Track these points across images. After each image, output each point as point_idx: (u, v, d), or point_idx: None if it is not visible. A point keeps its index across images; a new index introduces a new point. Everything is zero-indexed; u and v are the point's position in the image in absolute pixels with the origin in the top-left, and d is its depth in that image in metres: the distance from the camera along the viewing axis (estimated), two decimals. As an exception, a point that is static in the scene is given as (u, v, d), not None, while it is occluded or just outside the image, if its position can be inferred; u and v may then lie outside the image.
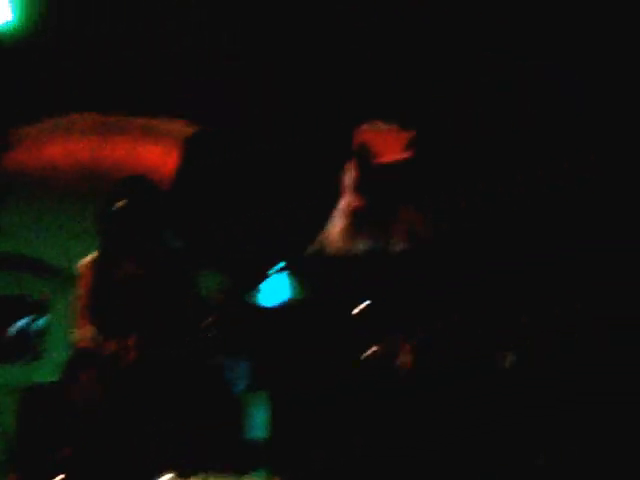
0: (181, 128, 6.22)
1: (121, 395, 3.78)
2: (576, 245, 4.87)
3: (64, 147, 6.37)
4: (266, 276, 4.04)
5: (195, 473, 3.27)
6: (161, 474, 3.21)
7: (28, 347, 6.67)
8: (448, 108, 5.23)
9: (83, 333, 3.99)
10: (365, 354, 5.08)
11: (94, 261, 4.02)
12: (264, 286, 4.39)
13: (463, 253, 4.49)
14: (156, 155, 6.28)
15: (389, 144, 3.93)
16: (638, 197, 4.89)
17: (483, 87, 5.23)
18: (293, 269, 4.47)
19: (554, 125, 5.12)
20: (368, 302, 4.89)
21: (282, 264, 4.35)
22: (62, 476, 4.38)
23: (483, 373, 4.60)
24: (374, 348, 5.07)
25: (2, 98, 5.88)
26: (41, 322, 6.71)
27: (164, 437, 3.88)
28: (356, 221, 4.09)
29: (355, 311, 5.08)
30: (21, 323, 6.75)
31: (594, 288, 4.73)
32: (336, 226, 4.27)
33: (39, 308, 6.73)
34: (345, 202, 4.15)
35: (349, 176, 4.04)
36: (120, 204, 3.92)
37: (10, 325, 6.74)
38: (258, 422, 5.60)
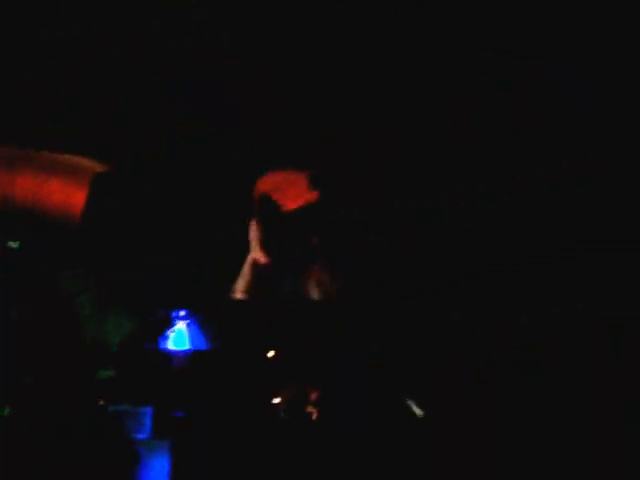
0: (89, 164, 6.08)
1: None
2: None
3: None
4: (171, 321, 3.92)
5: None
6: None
7: None
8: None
9: None
10: (272, 402, 4.99)
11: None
12: (168, 331, 4.27)
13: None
14: (64, 191, 6.11)
15: (291, 189, 3.90)
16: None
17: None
18: (199, 316, 4.35)
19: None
20: (273, 351, 4.82)
21: (187, 310, 4.23)
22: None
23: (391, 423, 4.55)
24: (280, 397, 4.99)
25: None
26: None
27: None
28: (260, 276, 4.02)
29: (262, 358, 5.00)
30: None
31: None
32: (241, 281, 4.20)
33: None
34: (250, 256, 4.09)
35: (252, 229, 3.99)
36: (13, 246, 3.78)
37: None
38: (158, 473, 5.40)
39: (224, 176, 5.37)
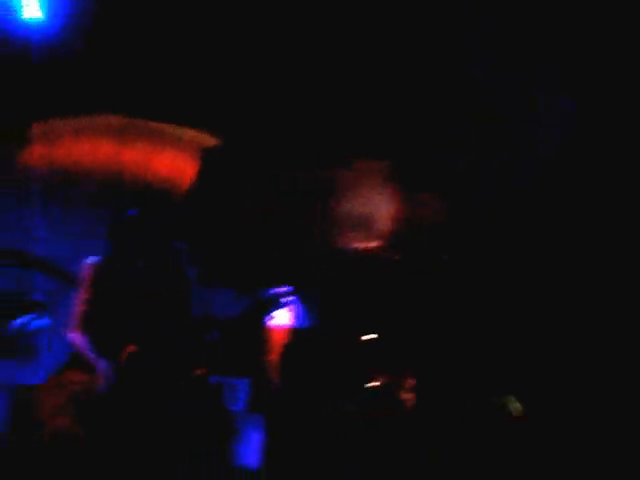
0: (199, 136, 6.14)
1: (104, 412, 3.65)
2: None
3: (87, 146, 6.30)
4: (275, 297, 3.94)
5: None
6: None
7: (22, 346, 6.57)
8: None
9: (74, 338, 3.88)
10: (369, 385, 4.97)
11: (100, 266, 3.92)
12: (272, 306, 4.30)
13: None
14: (174, 160, 6.20)
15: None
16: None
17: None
18: (302, 294, 4.35)
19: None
20: (375, 334, 4.79)
21: (291, 287, 4.24)
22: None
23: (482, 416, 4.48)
24: (378, 380, 4.96)
25: (28, 94, 5.85)
26: (40, 322, 6.60)
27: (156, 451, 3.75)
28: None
29: (363, 339, 4.97)
30: (19, 321, 6.65)
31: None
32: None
33: (39, 307, 6.62)
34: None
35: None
36: (133, 213, 3.85)
37: (8, 322, 6.64)
38: (252, 445, 5.47)
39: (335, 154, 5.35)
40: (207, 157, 5.57)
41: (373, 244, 5.05)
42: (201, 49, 5.28)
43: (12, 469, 5.09)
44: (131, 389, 3.68)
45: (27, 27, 5.32)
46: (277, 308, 3.82)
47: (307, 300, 4.36)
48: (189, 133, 6.19)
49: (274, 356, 5.42)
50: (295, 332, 5.24)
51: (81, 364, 3.86)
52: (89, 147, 6.27)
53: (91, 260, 3.96)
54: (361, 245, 5.09)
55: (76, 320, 3.90)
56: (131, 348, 3.66)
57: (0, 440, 5.15)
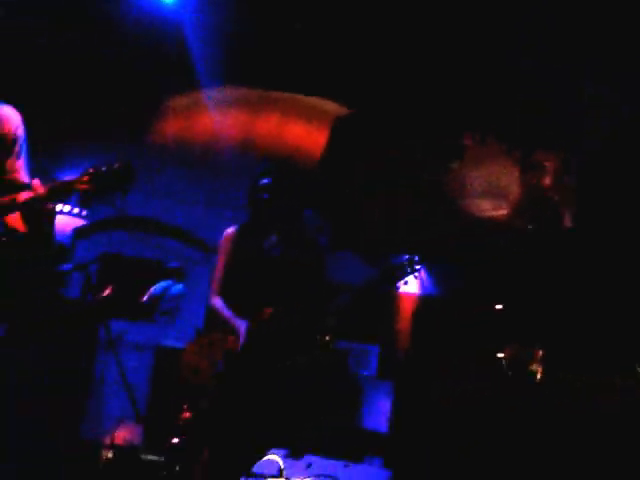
0: (329, 107, 6.20)
1: (242, 369, 3.79)
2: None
3: (219, 118, 6.50)
4: (404, 264, 3.96)
5: (305, 453, 3.24)
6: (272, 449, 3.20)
7: (163, 310, 6.86)
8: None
9: (213, 301, 4.06)
10: (499, 355, 4.94)
11: (236, 233, 4.05)
12: (401, 274, 4.32)
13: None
14: (304, 131, 6.30)
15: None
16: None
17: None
18: (432, 261, 4.36)
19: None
20: (504, 303, 4.76)
21: (420, 255, 4.25)
22: (177, 439, 4.50)
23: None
24: (507, 351, 4.92)
25: (161, 68, 6.08)
26: (178, 288, 6.88)
27: (282, 414, 3.88)
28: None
29: (492, 309, 4.95)
30: (159, 286, 6.94)
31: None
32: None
33: (178, 274, 6.90)
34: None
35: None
36: (267, 182, 3.94)
37: (149, 287, 6.95)
38: (379, 411, 5.55)
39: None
40: (337, 126, 5.63)
41: (502, 212, 5.00)
42: (333, 21, 5.32)
43: (155, 426, 5.39)
44: (265, 350, 3.80)
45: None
46: (406, 276, 3.83)
47: (436, 268, 4.37)
48: (319, 103, 6.28)
49: (403, 323, 5.48)
50: (424, 300, 5.27)
51: (219, 326, 4.03)
52: (223, 118, 6.47)
53: (229, 228, 4.11)
54: (490, 214, 5.05)
55: (215, 284, 4.08)
56: (268, 311, 3.78)
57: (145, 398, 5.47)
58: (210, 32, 5.61)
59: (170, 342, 5.79)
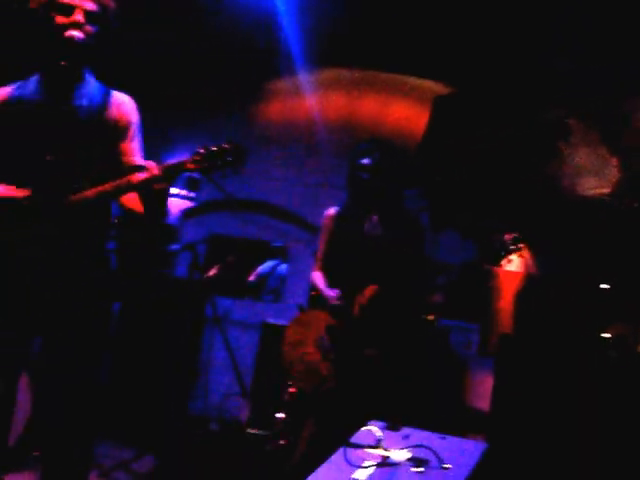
0: (431, 86, 6.18)
1: (347, 346, 3.86)
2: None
3: (320, 100, 6.57)
4: (506, 246, 3.94)
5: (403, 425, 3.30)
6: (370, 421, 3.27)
7: (270, 289, 7.03)
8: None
9: (315, 279, 4.15)
10: (604, 335, 4.86)
11: (338, 214, 4.12)
12: (504, 252, 4.30)
13: None
14: (406, 111, 6.30)
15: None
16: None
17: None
18: (535, 239, 4.32)
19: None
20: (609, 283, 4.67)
21: (520, 236, 4.23)
22: (283, 415, 4.64)
23: None
24: (610, 332, 4.84)
25: (262, 52, 6.20)
26: (283, 267, 7.03)
27: (385, 390, 3.94)
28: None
29: (597, 288, 4.86)
30: (266, 266, 7.12)
31: None
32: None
33: (283, 254, 7.05)
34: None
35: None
36: (368, 161, 3.97)
37: (255, 267, 7.13)
38: (481, 390, 5.54)
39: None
40: (438, 105, 5.61)
41: (605, 191, 4.89)
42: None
43: (260, 401, 5.56)
44: (369, 327, 3.86)
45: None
46: (508, 254, 3.81)
47: (539, 247, 4.34)
48: (421, 83, 6.27)
49: (505, 302, 5.45)
50: (527, 279, 5.22)
51: (322, 304, 4.13)
52: (323, 100, 6.54)
53: (330, 208, 4.18)
54: (593, 192, 4.95)
55: (317, 263, 4.18)
56: (372, 288, 3.84)
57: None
58: (310, 14, 5.68)
59: (275, 319, 5.94)
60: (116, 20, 3.03)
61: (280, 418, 4.72)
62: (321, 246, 4.18)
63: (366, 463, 2.83)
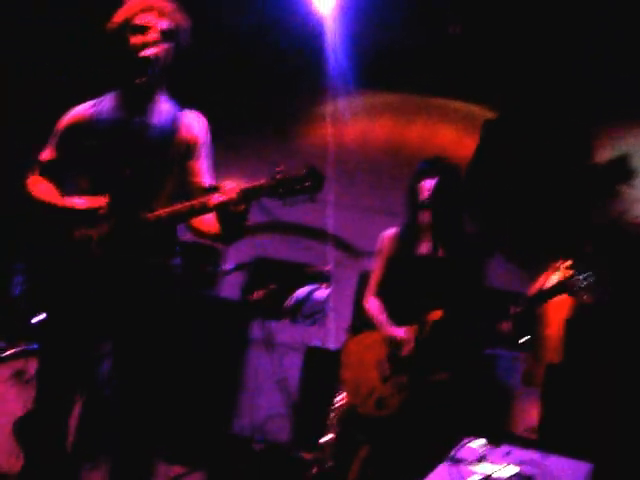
0: (479, 111, 6.18)
1: (409, 371, 3.80)
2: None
3: (367, 125, 6.59)
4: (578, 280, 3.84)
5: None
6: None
7: (305, 314, 7.00)
8: None
9: (369, 304, 4.09)
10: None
11: (395, 235, 4.06)
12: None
13: None
14: (453, 136, 6.30)
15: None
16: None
17: None
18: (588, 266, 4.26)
19: None
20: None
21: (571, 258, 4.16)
22: (330, 437, 4.59)
23: None
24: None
25: (312, 75, 6.23)
26: (322, 292, 7.00)
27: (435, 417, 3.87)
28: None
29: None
30: (303, 291, 7.09)
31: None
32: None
33: (323, 278, 7.03)
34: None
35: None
36: (430, 182, 3.92)
37: (295, 290, 7.11)
38: (527, 419, 5.46)
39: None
40: (487, 129, 5.60)
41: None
42: (483, 26, 5.32)
43: (304, 423, 5.51)
44: (432, 354, 3.78)
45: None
46: (580, 291, 3.70)
47: (593, 274, 4.27)
48: (469, 107, 6.28)
49: (552, 330, 5.37)
50: (578, 307, 5.14)
51: (370, 328, 4.08)
52: (370, 124, 6.56)
53: (388, 230, 4.13)
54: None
55: (371, 286, 4.12)
56: (437, 313, 3.77)
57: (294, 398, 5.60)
58: (360, 38, 5.71)
59: (318, 342, 5.92)
60: (189, 37, 3.06)
61: (327, 440, 4.67)
62: (376, 269, 4.09)
63: (471, 478, 2.81)
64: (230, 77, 6.22)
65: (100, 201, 2.91)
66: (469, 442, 3.08)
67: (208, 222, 2.96)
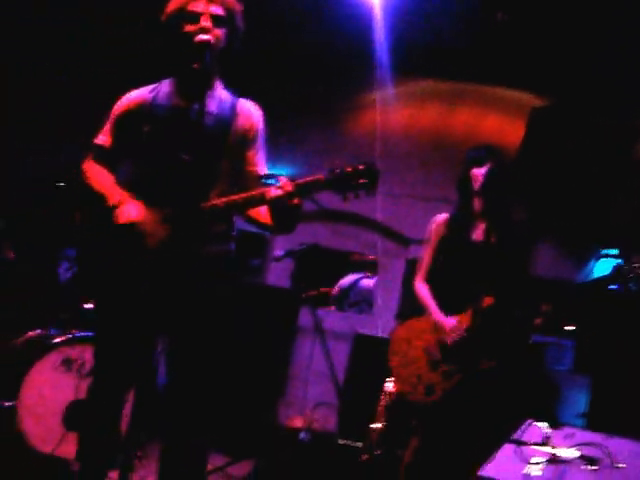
0: (525, 98, 6.12)
1: (460, 358, 3.81)
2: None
3: (412, 113, 6.58)
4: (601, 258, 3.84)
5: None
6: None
7: (351, 302, 7.03)
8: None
9: (418, 289, 4.10)
10: None
11: (445, 221, 4.07)
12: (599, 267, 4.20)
13: None
14: (500, 123, 6.26)
15: None
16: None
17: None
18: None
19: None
20: None
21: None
22: (378, 425, 4.62)
23: None
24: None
25: (357, 63, 6.23)
26: (368, 281, 7.03)
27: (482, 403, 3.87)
28: None
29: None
30: (348, 279, 7.12)
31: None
32: None
33: (370, 267, 7.05)
34: None
35: None
36: (482, 169, 3.91)
37: (342, 278, 7.15)
38: (575, 406, 5.43)
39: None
40: (535, 117, 5.55)
41: None
42: (530, 11, 5.26)
43: (351, 411, 5.55)
44: (481, 341, 3.78)
45: None
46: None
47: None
48: (516, 94, 6.22)
49: (602, 317, 5.33)
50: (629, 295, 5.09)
51: (418, 315, 4.09)
52: (416, 112, 6.55)
53: (439, 216, 4.13)
54: None
55: (421, 272, 4.13)
56: (488, 299, 3.77)
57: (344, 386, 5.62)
58: (406, 26, 5.69)
59: (367, 330, 5.93)
60: (242, 22, 3.09)
61: (375, 428, 4.70)
62: (426, 254, 4.11)
63: (535, 460, 2.85)
64: (276, 64, 6.24)
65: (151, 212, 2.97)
66: (532, 424, 3.12)
67: (263, 213, 3.01)
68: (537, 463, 2.82)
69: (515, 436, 3.06)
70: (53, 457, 4.22)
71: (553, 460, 2.86)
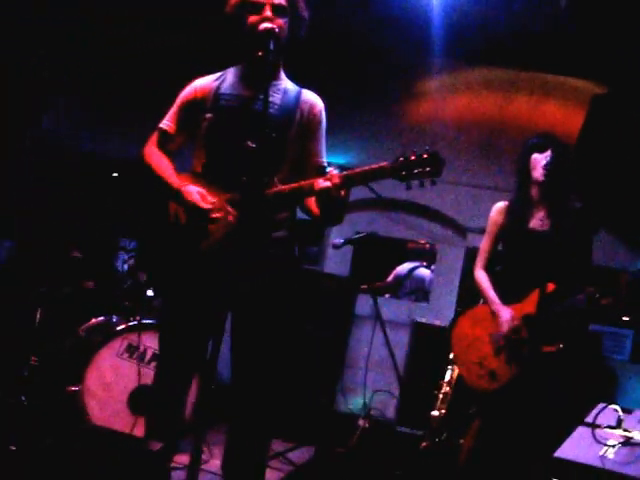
0: (587, 86, 6.07)
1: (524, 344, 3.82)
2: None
3: (469, 101, 6.56)
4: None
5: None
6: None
7: (408, 290, 7.05)
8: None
9: (477, 276, 4.12)
10: None
11: (505, 208, 4.07)
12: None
13: None
14: (558, 111, 6.22)
15: None
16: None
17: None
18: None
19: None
20: None
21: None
22: (438, 412, 4.65)
23: None
24: None
25: (413, 51, 6.23)
26: (424, 270, 7.04)
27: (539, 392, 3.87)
28: None
29: None
30: (405, 267, 7.14)
31: None
32: None
33: (427, 256, 7.06)
34: None
35: None
36: (544, 157, 3.91)
37: (399, 266, 7.18)
38: (634, 396, 5.41)
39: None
40: (595, 105, 5.50)
41: None
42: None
43: (409, 399, 5.59)
44: (543, 327, 3.78)
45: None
46: None
47: None
48: (575, 82, 6.17)
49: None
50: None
51: (478, 303, 4.11)
52: (474, 100, 6.52)
53: (499, 203, 4.13)
54: None
55: (480, 258, 4.14)
56: (550, 287, 3.77)
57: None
58: (463, 14, 5.67)
59: (424, 319, 5.96)
60: (303, 12, 3.14)
61: (435, 416, 4.73)
62: (486, 243, 4.13)
63: (610, 442, 2.89)
64: (334, 53, 6.26)
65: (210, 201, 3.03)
66: (605, 407, 3.15)
67: (314, 203, 3.06)
68: (612, 445, 2.86)
69: (588, 419, 3.10)
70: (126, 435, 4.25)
71: (627, 442, 2.90)
